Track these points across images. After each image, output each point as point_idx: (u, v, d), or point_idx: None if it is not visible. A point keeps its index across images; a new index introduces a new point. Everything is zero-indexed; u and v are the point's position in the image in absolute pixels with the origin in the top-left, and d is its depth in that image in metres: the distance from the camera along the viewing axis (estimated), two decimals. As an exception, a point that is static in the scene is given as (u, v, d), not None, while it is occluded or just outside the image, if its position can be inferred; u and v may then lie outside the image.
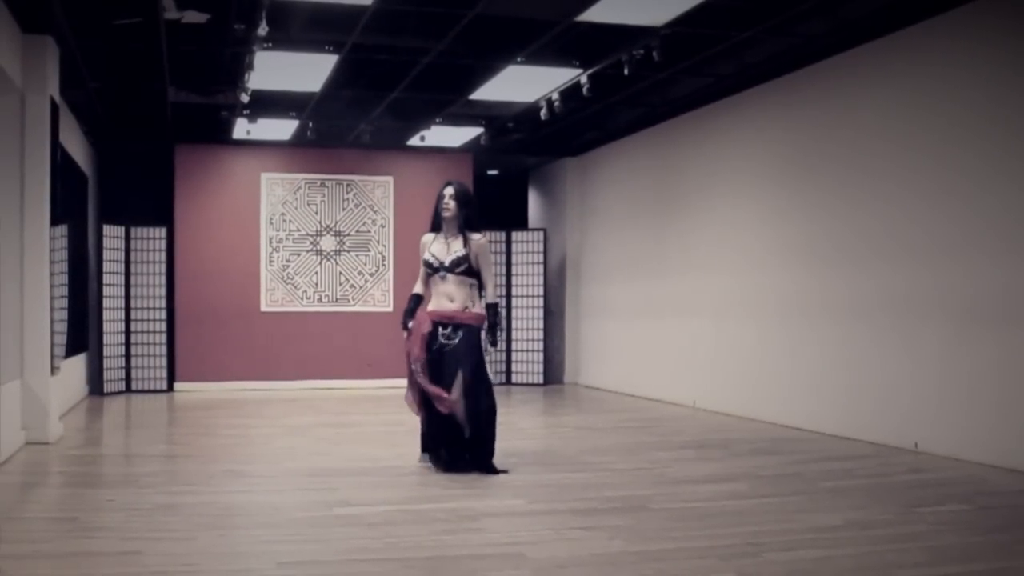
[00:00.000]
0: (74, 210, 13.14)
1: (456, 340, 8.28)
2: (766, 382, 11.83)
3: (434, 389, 8.18)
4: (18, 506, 7.26)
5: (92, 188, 15.71)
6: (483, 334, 8.48)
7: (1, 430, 8.87)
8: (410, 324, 8.51)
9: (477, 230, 8.53)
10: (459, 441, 8.32)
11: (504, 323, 8.86)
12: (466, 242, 8.40)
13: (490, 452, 8.32)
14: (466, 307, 8.39)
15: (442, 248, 8.45)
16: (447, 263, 8.37)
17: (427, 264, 8.46)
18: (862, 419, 10.14)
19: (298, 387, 15.95)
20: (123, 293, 15.49)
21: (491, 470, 8.19)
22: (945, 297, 9.17)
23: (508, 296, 17.03)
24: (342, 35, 10.13)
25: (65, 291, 11.32)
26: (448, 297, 8.38)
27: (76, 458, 9.36)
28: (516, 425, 11.72)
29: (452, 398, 8.15)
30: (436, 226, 8.57)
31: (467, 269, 8.37)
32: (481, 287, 8.53)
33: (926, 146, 9.46)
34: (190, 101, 12.97)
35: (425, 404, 8.36)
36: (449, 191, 8.49)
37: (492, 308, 8.49)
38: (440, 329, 8.32)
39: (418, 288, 8.72)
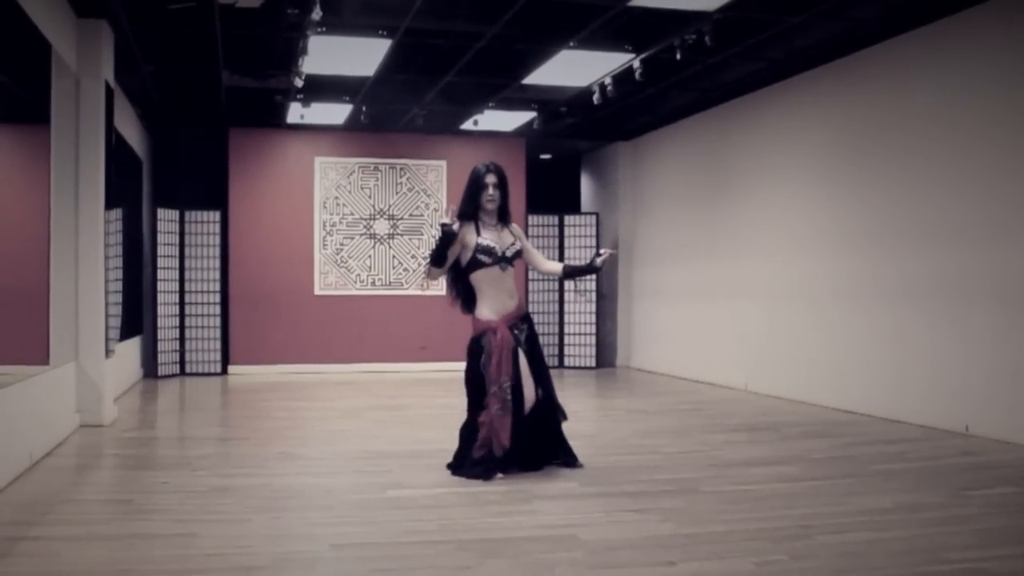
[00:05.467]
0: (129, 194, 13.27)
1: (525, 333, 7.63)
2: (817, 365, 11.78)
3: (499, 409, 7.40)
4: (73, 488, 7.34)
5: (146, 172, 15.85)
6: (596, 263, 7.76)
7: (56, 412, 9.00)
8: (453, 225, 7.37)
9: (510, 217, 7.80)
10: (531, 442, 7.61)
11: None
12: (512, 233, 7.69)
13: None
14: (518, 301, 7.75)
15: (495, 237, 7.58)
16: (509, 255, 7.60)
17: (489, 252, 7.50)
18: (913, 402, 10.08)
19: (351, 370, 16.05)
20: (177, 276, 15.63)
21: (576, 461, 7.81)
22: (996, 280, 9.10)
23: (560, 279, 17.05)
24: (395, 19, 10.16)
25: (120, 274, 11.45)
26: (509, 294, 7.58)
27: (130, 440, 9.46)
28: (568, 408, 11.64)
29: (529, 396, 7.56)
30: (467, 215, 7.61)
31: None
32: (534, 268, 8.06)
33: (977, 130, 9.37)
34: (244, 85, 13.04)
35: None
36: (492, 179, 7.58)
37: (571, 266, 7.99)
38: (514, 332, 7.53)
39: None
